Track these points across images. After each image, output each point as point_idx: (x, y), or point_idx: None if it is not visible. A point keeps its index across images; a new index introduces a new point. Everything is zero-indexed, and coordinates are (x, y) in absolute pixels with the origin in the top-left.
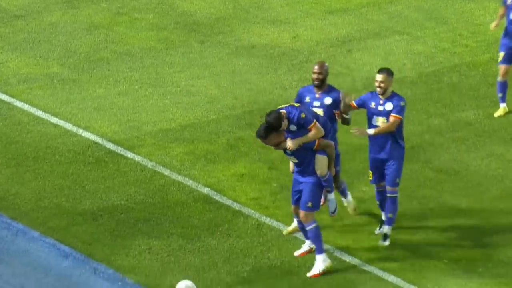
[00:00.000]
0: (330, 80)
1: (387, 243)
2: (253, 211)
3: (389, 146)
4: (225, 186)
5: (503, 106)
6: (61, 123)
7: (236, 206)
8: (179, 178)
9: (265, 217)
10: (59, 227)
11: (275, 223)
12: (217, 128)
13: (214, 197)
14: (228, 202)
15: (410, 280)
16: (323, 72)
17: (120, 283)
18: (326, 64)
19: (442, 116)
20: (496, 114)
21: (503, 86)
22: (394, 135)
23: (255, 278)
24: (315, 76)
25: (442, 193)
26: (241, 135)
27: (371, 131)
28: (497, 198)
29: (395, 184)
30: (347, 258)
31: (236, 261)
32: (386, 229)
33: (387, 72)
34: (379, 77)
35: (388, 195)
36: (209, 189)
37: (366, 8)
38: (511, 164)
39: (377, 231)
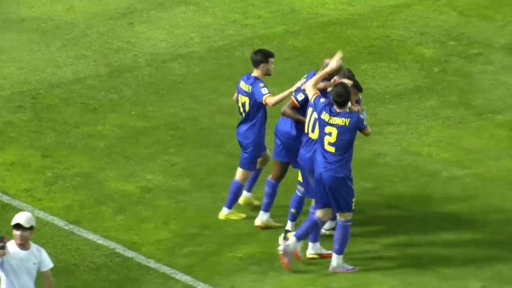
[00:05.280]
0: (109, 57)
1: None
2: (25, 204)
3: None
4: None
5: None
6: None
7: (5, 198)
8: None
9: (38, 211)
10: None
11: (49, 217)
12: None
13: None
14: None
15: (202, 278)
16: None
17: None
18: None
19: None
20: None
21: None
22: None
23: None
24: None
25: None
26: (10, 119)
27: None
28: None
29: None
30: (131, 254)
31: None
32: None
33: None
34: None
35: None
36: None
37: None
38: None
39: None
